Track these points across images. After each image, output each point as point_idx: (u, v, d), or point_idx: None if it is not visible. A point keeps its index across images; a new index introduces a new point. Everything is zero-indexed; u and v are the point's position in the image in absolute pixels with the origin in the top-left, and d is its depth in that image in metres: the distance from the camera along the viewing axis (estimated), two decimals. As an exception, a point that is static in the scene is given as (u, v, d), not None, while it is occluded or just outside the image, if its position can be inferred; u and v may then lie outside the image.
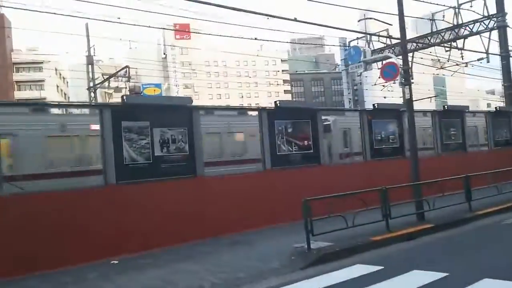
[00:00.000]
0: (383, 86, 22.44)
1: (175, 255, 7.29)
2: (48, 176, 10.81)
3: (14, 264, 6.32)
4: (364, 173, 11.07)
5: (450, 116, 14.12)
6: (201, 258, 7.08)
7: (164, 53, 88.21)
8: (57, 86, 59.59)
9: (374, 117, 11.83)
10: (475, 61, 21.86)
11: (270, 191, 9.33)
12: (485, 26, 19.48)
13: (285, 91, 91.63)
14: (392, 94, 22.92)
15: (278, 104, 9.79)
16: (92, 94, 20.58)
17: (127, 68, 21.37)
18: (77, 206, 7.14)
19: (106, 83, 21.40)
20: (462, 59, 22.22)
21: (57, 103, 19.74)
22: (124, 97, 7.65)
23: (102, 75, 21.65)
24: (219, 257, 7.07)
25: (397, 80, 9.69)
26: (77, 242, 6.90)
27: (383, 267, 5.87)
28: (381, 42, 23.38)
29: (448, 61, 22.80)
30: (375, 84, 22.68)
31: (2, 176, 8.29)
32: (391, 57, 12.49)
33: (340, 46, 26.29)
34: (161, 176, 8.17)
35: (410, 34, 19.45)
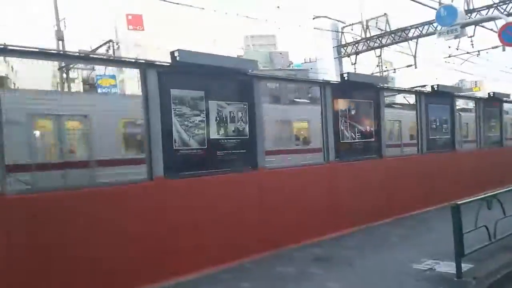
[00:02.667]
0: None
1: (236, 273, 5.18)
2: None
3: None
4: (421, 168, 9.40)
5: (492, 105, 12.76)
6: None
7: (117, 44, 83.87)
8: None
9: (430, 102, 10.14)
10: None
11: (332, 189, 7.39)
12: None
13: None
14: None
15: (346, 77, 7.80)
16: (64, 75, 17.56)
17: (111, 43, 18.37)
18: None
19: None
20: None
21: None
22: (177, 53, 5.36)
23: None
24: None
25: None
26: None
27: None
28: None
29: None
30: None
31: None
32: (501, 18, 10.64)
33: (332, 31, 24.66)
34: (217, 167, 5.96)
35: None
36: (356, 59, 25.26)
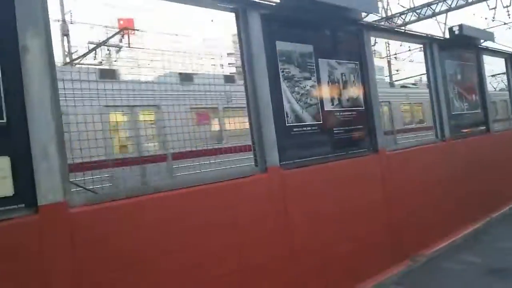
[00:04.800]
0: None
1: None
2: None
3: None
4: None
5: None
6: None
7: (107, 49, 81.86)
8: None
9: None
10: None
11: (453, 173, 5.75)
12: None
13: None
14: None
15: (457, 31, 6.13)
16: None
17: (126, 31, 16.47)
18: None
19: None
20: None
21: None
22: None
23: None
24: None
25: None
26: None
27: None
28: None
29: None
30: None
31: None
32: None
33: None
34: (334, 150, 4.31)
35: None
36: (375, 41, 23.64)
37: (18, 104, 2.39)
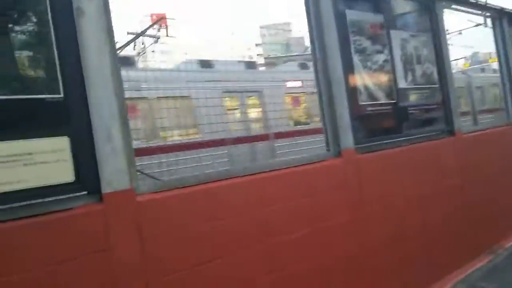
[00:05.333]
0: None
1: None
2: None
3: None
4: None
5: None
6: None
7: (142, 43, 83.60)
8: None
9: None
10: None
11: None
12: None
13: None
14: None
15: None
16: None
17: (163, 20, 16.21)
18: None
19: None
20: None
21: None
22: None
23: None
24: None
25: None
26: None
27: None
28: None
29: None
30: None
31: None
32: None
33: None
34: (408, 132, 3.84)
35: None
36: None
37: (76, 76, 2.07)
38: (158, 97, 8.45)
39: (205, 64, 10.16)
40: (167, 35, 15.85)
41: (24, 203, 1.86)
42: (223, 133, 8.29)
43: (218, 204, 2.47)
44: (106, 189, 2.08)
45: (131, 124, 2.27)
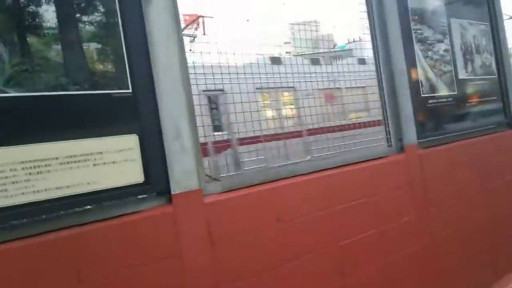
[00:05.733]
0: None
1: None
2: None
3: None
4: None
5: None
6: None
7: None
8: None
9: None
10: None
11: None
12: None
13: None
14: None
15: None
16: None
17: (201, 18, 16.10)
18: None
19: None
20: None
21: None
22: None
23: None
24: None
25: None
26: None
27: None
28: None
29: None
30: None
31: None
32: None
33: None
34: (469, 125, 3.61)
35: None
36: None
37: (144, 69, 1.93)
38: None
39: (275, 60, 10.35)
40: (204, 34, 15.71)
41: (95, 205, 1.74)
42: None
43: (284, 205, 2.32)
44: (175, 189, 1.95)
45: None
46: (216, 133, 9.32)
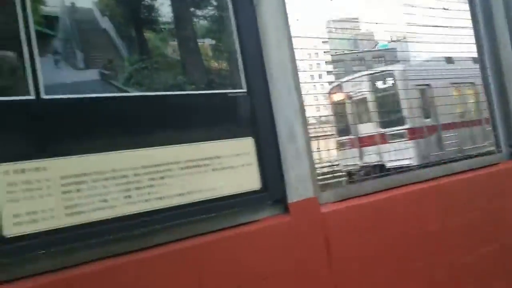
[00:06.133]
0: None
1: None
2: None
3: None
4: None
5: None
6: None
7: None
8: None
9: None
10: None
11: None
12: None
13: (328, 72, 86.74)
14: None
15: None
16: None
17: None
18: None
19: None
20: None
21: None
22: None
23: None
24: None
25: None
26: None
27: None
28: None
29: None
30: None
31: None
32: None
33: None
34: None
35: None
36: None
37: (257, 68, 1.78)
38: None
39: (449, 60, 11.48)
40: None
41: (216, 213, 1.60)
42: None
43: (397, 216, 2.10)
44: (292, 198, 1.78)
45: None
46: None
